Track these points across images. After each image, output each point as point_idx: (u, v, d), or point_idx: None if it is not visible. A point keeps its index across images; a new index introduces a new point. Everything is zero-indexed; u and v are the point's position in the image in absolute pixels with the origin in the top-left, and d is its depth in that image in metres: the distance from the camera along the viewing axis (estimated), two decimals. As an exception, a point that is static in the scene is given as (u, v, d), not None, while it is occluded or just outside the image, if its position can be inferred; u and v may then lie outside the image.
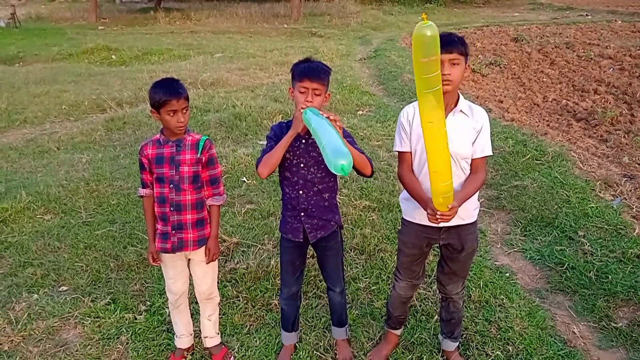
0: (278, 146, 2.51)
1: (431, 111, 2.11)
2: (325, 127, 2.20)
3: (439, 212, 2.33)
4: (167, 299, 3.02)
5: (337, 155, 2.04)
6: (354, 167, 2.43)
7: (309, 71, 2.47)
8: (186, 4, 31.00)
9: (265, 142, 2.70)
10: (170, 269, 2.86)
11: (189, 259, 2.87)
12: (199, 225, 2.77)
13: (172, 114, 2.55)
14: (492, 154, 2.54)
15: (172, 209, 2.69)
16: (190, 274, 2.94)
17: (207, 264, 2.84)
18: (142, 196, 2.77)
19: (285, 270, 2.88)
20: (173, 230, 2.72)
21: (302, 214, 2.66)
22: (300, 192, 2.63)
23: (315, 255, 2.93)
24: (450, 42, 2.33)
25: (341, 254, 2.87)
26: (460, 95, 2.50)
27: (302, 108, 2.40)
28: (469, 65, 2.47)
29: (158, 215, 2.75)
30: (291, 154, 2.59)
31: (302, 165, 2.59)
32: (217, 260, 2.93)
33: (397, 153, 2.65)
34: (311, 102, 2.45)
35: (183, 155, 2.66)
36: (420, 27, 1.98)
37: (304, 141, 2.58)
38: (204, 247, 2.81)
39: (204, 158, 2.70)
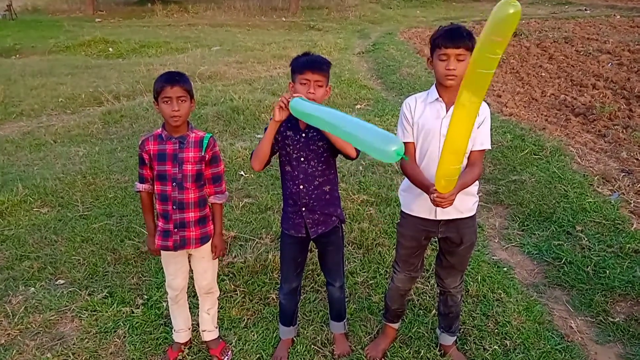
0: (263, 139, 2.52)
1: (471, 93, 2.02)
2: (344, 117, 2.08)
3: (438, 195, 2.29)
4: (165, 293, 3.01)
5: (385, 142, 1.85)
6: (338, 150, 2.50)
7: (310, 63, 2.47)
8: (184, -4, 30.85)
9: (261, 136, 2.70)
10: (171, 265, 2.84)
11: (190, 254, 2.85)
12: (201, 223, 2.74)
13: (167, 102, 2.51)
14: (490, 148, 2.52)
15: (174, 207, 2.66)
16: (190, 269, 2.92)
17: (213, 259, 2.83)
18: (139, 191, 2.74)
19: (287, 266, 2.87)
20: (175, 229, 2.69)
21: (304, 208, 2.65)
22: (301, 186, 2.61)
23: (316, 249, 2.92)
24: (459, 37, 2.29)
25: (342, 249, 2.86)
26: None
27: (289, 97, 2.35)
28: None
29: (159, 213, 2.71)
30: (291, 148, 2.58)
31: (302, 159, 2.57)
32: None
33: None
34: (313, 93, 2.44)
35: (186, 153, 2.62)
36: (506, 4, 1.81)
37: (304, 135, 2.56)
38: (205, 244, 2.79)
39: (207, 156, 2.66)
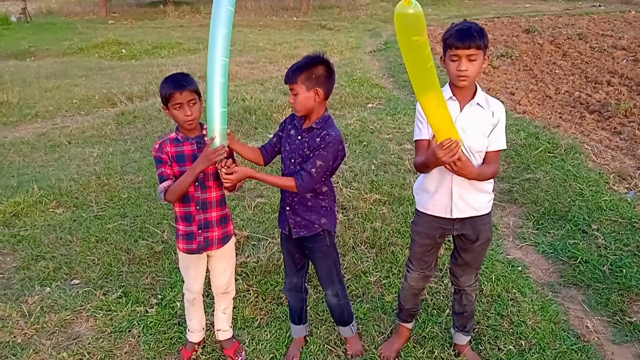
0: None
1: (426, 92, 2.09)
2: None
3: (444, 143, 2.17)
4: (178, 292, 3.02)
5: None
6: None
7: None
8: (195, -3, 30.98)
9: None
10: (193, 269, 2.84)
11: (209, 255, 2.85)
12: (223, 223, 2.76)
13: (178, 108, 2.49)
14: (506, 147, 2.50)
15: (198, 207, 2.66)
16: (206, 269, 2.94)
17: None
18: (166, 188, 2.55)
19: (285, 260, 2.89)
20: (199, 230, 2.69)
21: (288, 208, 2.65)
22: None
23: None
24: (470, 37, 2.23)
25: (332, 258, 2.76)
26: (478, 87, 2.43)
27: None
28: (488, 57, 2.40)
29: (180, 216, 2.70)
30: (288, 146, 2.58)
31: (292, 159, 2.56)
32: (235, 255, 2.98)
33: (414, 143, 2.59)
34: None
35: None
36: (403, 6, 1.89)
37: (299, 137, 2.54)
38: (226, 244, 2.81)
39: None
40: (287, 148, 2.60)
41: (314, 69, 2.45)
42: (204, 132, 2.61)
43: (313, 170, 2.44)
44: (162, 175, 2.58)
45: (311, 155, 2.47)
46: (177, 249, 2.82)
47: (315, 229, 2.65)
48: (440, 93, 2.11)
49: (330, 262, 2.77)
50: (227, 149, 2.39)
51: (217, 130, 2.33)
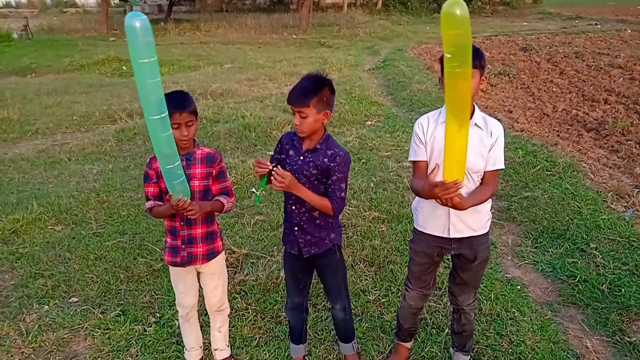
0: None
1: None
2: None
3: (447, 185, 2.20)
4: (177, 312, 3.01)
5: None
6: None
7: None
8: (196, 15, 31.30)
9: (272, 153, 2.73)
10: (181, 283, 2.85)
11: (199, 272, 2.86)
12: (208, 239, 2.76)
13: (175, 127, 2.50)
14: (504, 167, 2.51)
15: (182, 223, 2.68)
16: (200, 287, 2.93)
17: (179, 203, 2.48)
18: (150, 208, 2.68)
19: (289, 279, 2.89)
20: (183, 245, 2.71)
21: (296, 228, 2.66)
22: (294, 206, 2.63)
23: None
24: None
25: (341, 272, 2.79)
26: (476, 107, 2.46)
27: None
28: (485, 77, 2.43)
29: (168, 229, 2.74)
30: (289, 167, 2.59)
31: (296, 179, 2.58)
32: (226, 271, 2.97)
33: (411, 163, 2.61)
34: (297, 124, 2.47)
35: (194, 170, 2.64)
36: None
37: (301, 158, 2.56)
38: (214, 260, 2.80)
39: (214, 171, 2.69)
40: (288, 169, 2.61)
41: (323, 92, 2.47)
42: (195, 149, 2.64)
43: (343, 194, 2.55)
44: (146, 194, 2.71)
45: (318, 174, 2.51)
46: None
47: (327, 245, 2.68)
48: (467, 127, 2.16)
49: (340, 276, 2.80)
50: (187, 199, 2.47)
51: (173, 186, 2.43)
